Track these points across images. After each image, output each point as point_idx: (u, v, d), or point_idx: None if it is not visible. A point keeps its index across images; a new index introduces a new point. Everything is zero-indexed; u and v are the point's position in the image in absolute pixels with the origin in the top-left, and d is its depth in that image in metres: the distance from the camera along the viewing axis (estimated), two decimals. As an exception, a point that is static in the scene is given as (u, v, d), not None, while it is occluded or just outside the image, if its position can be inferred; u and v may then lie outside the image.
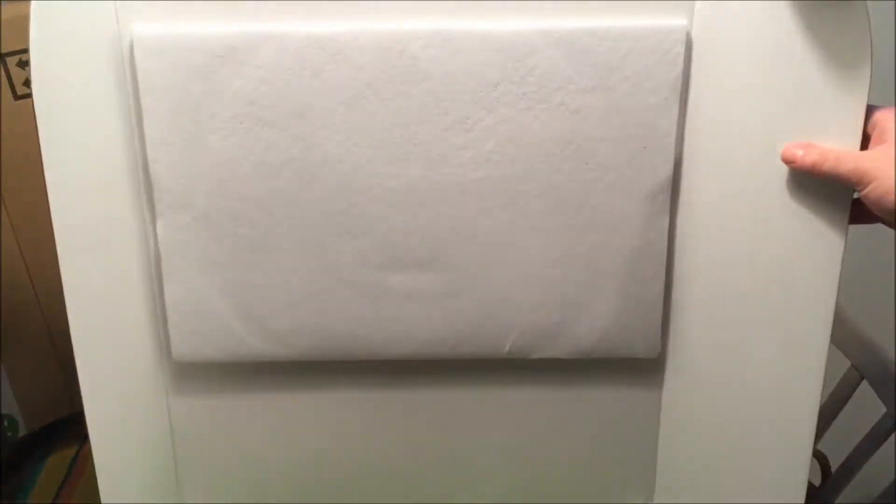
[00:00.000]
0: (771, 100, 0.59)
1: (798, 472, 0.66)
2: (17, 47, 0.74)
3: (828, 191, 0.59)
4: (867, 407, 0.88)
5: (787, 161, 0.58)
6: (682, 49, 0.58)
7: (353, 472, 0.69)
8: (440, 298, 0.63)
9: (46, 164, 0.58)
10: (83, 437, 0.86)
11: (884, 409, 0.84)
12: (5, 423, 0.83)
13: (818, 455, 0.93)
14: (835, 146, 0.58)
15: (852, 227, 0.61)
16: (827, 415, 0.89)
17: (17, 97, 0.76)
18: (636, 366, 0.66)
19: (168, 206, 0.61)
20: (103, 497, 0.66)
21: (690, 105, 0.60)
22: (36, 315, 0.82)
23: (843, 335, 0.87)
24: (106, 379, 0.64)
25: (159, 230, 0.61)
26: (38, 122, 0.57)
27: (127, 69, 0.59)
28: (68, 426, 0.87)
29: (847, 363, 0.88)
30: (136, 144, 0.60)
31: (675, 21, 0.58)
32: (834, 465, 0.91)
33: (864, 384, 0.87)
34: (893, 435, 0.85)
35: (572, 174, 0.60)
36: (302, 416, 0.68)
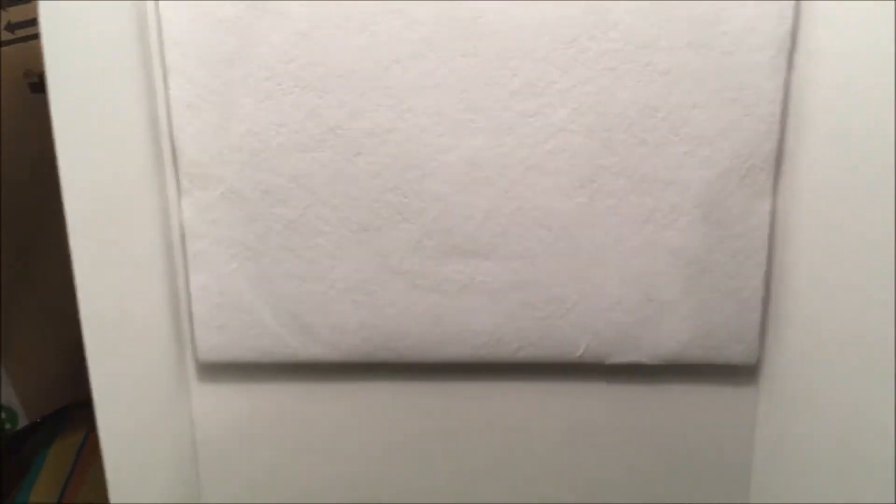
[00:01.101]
0: (890, 66, 0.51)
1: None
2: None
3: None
4: None
5: None
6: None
7: (400, 487, 0.62)
8: (504, 291, 0.56)
9: (57, 133, 0.51)
10: (90, 425, 0.80)
11: None
12: (3, 416, 0.78)
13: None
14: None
15: None
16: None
17: (-2, 45, 0.69)
18: (729, 372, 0.59)
19: (194, 180, 0.54)
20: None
21: (796, 69, 0.52)
22: (32, 299, 0.75)
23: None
24: (120, 380, 0.58)
25: (185, 209, 0.55)
26: (49, 83, 0.51)
27: (151, 21, 0.52)
28: (71, 414, 0.83)
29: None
30: (161, 110, 0.53)
31: (783, -33, 0.51)
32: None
33: None
34: None
35: (660, 147, 0.53)
36: (342, 422, 0.62)
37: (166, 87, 0.54)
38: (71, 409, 0.85)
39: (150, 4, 0.53)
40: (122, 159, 0.54)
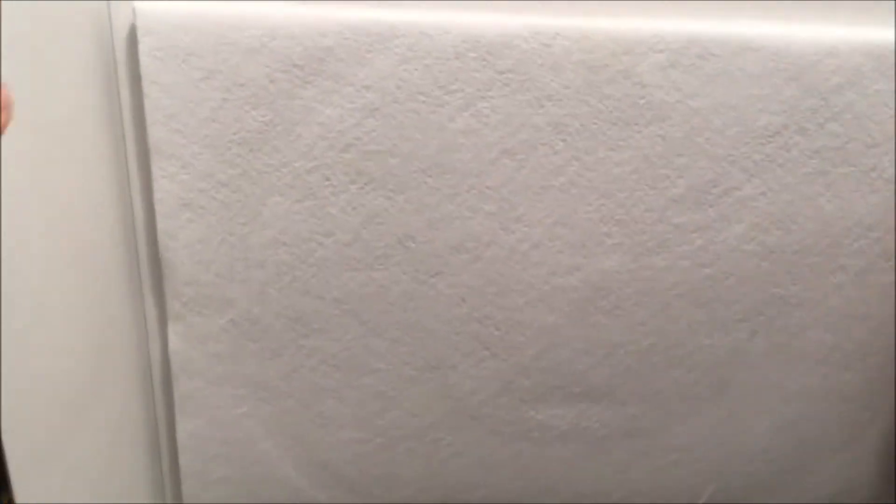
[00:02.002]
0: None
1: None
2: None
3: None
4: None
5: None
6: None
7: None
8: (615, 438, 0.43)
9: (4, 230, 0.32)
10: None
11: None
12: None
13: None
14: None
15: None
16: None
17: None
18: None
19: (189, 304, 0.37)
20: None
21: None
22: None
23: None
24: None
25: (172, 340, 0.37)
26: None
27: (120, 75, 0.32)
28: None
29: None
30: (136, 206, 0.34)
31: None
32: None
33: None
34: None
35: (863, 274, 0.39)
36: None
37: (150, 178, 0.34)
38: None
39: (122, 60, 0.32)
40: (87, 272, 0.35)
